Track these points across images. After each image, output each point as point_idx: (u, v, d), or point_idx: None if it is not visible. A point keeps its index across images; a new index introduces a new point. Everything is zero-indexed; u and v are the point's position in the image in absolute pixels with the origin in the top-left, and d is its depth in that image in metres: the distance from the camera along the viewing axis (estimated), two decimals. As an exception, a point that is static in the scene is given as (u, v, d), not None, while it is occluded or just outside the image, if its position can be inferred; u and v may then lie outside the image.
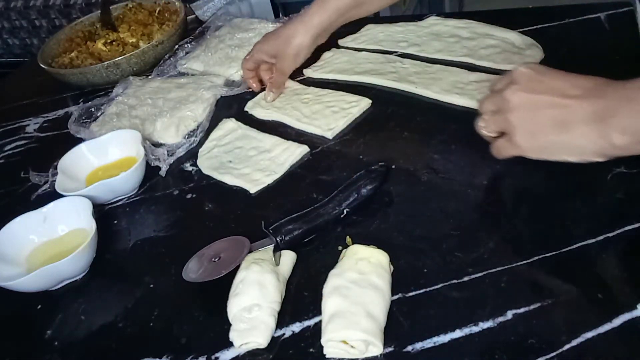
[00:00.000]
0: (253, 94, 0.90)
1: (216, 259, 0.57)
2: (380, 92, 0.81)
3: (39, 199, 0.78)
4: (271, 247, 0.57)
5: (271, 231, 0.58)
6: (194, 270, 0.57)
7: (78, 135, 0.87)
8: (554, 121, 0.49)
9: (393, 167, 0.66)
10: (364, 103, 0.78)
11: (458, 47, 0.84)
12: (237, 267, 0.55)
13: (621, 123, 0.47)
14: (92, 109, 0.93)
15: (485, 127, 0.56)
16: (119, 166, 0.75)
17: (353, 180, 0.61)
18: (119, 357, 0.54)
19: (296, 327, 0.52)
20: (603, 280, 0.49)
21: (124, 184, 0.72)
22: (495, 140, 0.56)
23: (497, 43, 0.83)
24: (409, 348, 0.47)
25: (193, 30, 1.09)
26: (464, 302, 0.50)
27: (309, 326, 0.51)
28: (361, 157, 0.70)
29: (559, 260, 0.51)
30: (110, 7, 1.17)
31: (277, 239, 0.57)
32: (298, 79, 0.90)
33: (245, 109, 0.86)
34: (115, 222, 0.71)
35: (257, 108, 0.85)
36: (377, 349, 0.47)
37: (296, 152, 0.73)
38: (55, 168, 0.76)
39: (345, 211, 0.60)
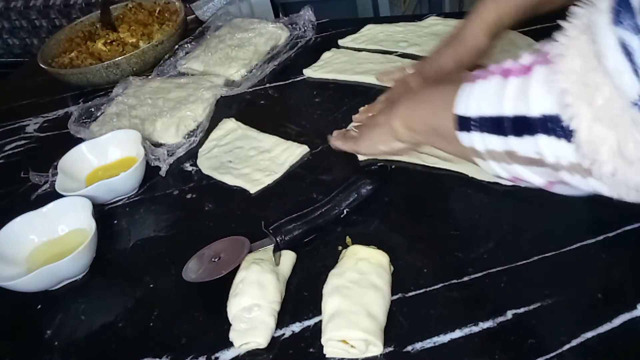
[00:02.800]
0: (254, 94, 0.90)
1: (216, 259, 0.57)
2: (380, 92, 0.80)
3: (39, 199, 0.78)
4: (271, 247, 0.57)
5: (271, 231, 0.58)
6: (193, 270, 0.57)
7: (78, 135, 0.87)
8: (372, 124, 0.64)
9: (393, 167, 0.66)
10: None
11: (458, 47, 0.84)
12: (237, 267, 0.55)
13: (399, 112, 0.56)
14: (92, 109, 0.93)
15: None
16: (119, 166, 0.75)
17: (353, 180, 0.61)
18: (119, 357, 0.54)
19: (296, 327, 0.52)
20: (603, 280, 0.49)
21: (124, 184, 0.72)
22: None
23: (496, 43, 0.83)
24: (409, 348, 0.47)
25: (193, 30, 1.09)
26: (464, 302, 0.50)
27: (309, 326, 0.51)
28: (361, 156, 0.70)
29: (559, 260, 0.51)
30: (110, 7, 1.17)
31: (277, 239, 0.57)
32: (298, 78, 0.90)
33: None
34: (115, 222, 0.71)
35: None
36: (377, 348, 0.47)
37: (296, 152, 0.73)
38: (55, 168, 0.76)
39: (345, 211, 0.60)
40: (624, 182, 0.33)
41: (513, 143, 0.39)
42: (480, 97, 0.42)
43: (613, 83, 0.31)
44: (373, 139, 0.62)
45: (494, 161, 0.43)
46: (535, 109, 0.37)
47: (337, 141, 0.69)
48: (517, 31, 0.83)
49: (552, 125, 0.35)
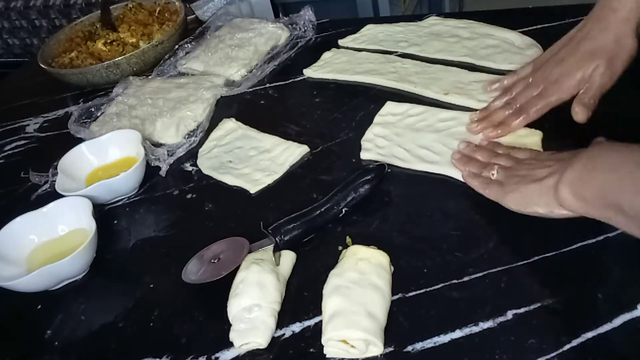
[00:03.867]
0: (254, 94, 0.90)
1: (215, 260, 0.57)
2: (380, 92, 0.81)
3: (39, 199, 0.78)
4: (271, 247, 0.57)
5: (270, 231, 0.58)
6: (193, 272, 0.57)
7: (78, 135, 0.87)
8: (529, 178, 0.54)
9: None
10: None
11: (458, 47, 0.84)
12: (237, 268, 0.55)
13: (569, 176, 0.48)
14: (92, 109, 0.93)
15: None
16: (119, 166, 0.75)
17: (351, 179, 0.61)
18: (119, 357, 0.54)
19: (296, 327, 0.52)
20: (603, 280, 0.49)
21: (124, 184, 0.72)
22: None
23: (497, 43, 0.83)
24: (409, 348, 0.47)
25: (193, 30, 1.09)
26: (464, 302, 0.50)
27: (309, 326, 0.51)
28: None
29: (559, 260, 0.51)
30: (110, 7, 1.17)
31: (277, 239, 0.57)
32: (298, 78, 0.90)
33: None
34: (115, 222, 0.71)
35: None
36: (378, 348, 0.47)
37: (296, 152, 0.73)
38: (55, 168, 0.76)
39: (343, 210, 0.60)
40: None
41: None
42: None
43: None
44: (528, 196, 0.53)
45: None
46: None
47: (476, 183, 0.59)
48: (517, 31, 0.83)
49: None
